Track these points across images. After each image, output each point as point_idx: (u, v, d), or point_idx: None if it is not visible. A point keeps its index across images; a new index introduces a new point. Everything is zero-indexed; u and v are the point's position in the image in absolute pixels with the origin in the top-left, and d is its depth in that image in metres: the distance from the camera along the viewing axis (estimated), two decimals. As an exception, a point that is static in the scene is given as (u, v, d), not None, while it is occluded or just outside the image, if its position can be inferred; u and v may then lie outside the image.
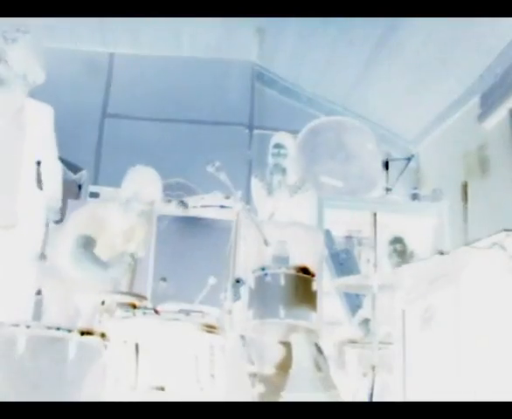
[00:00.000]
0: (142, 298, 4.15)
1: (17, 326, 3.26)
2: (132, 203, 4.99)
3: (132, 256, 5.10)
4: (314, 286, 4.70)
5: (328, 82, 7.82)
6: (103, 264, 4.86)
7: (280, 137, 6.05)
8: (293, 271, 4.65)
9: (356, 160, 6.43)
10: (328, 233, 6.09)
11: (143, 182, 5.01)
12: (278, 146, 5.95)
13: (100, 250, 4.92)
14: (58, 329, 3.31)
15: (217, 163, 4.69)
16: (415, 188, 6.48)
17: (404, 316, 3.79)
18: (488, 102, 6.19)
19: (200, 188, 6.42)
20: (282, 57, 7.97)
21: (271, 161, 5.98)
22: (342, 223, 6.15)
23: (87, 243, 4.85)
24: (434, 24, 5.82)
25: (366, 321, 5.37)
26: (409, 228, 5.74)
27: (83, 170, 6.71)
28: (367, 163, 6.40)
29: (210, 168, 4.71)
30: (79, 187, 6.75)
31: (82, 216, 5.02)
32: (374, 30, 6.45)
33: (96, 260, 4.85)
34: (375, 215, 4.56)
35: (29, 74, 4.52)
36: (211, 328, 3.75)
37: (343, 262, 6.21)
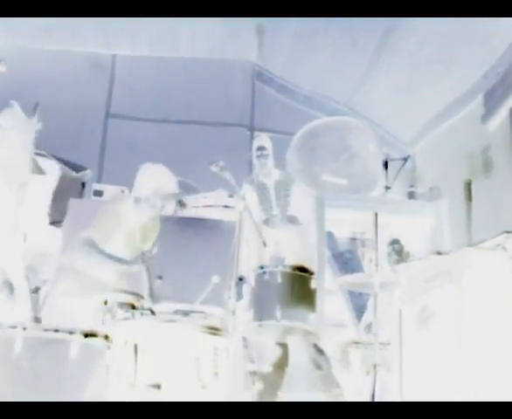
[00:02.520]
0: (139, 296, 4.15)
1: (14, 327, 3.25)
2: (152, 200, 4.94)
3: (149, 253, 5.14)
4: (313, 284, 4.71)
5: (329, 83, 7.81)
6: (114, 258, 4.83)
7: (261, 140, 6.37)
8: (289, 269, 4.69)
9: (359, 159, 6.44)
10: (330, 235, 6.10)
11: (161, 178, 4.96)
12: (260, 148, 6.24)
13: (118, 247, 4.93)
14: (56, 331, 3.29)
15: (222, 163, 4.69)
16: (411, 186, 6.47)
17: (400, 315, 3.78)
18: (491, 102, 6.17)
19: (202, 187, 6.41)
20: (282, 57, 7.96)
21: (256, 162, 6.29)
22: (345, 224, 6.15)
23: (93, 243, 4.84)
24: (435, 25, 5.80)
25: (371, 325, 5.36)
26: (406, 229, 5.75)
27: (87, 169, 6.72)
28: (369, 163, 6.41)
29: (214, 168, 4.70)
30: (83, 185, 6.75)
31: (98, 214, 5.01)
32: (375, 31, 6.44)
33: (102, 253, 4.83)
34: (376, 215, 4.57)
35: None
36: (214, 330, 3.74)
37: (348, 261, 6.21)
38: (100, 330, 3.52)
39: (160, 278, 4.82)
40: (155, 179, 4.95)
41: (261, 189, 6.15)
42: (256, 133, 7.96)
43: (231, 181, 4.73)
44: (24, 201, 4.33)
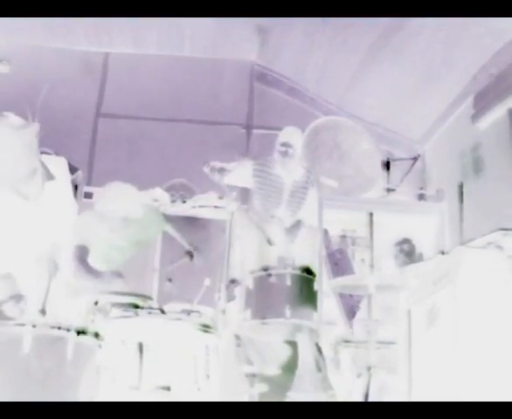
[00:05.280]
0: (147, 298, 4.16)
1: (22, 325, 3.30)
2: (106, 217, 5.02)
3: None
4: (316, 286, 4.71)
5: (328, 82, 7.80)
6: (97, 273, 4.87)
7: (287, 135, 5.55)
8: (298, 272, 4.65)
9: (349, 159, 6.46)
10: (325, 233, 6.07)
11: (113, 199, 5.05)
12: (285, 144, 5.46)
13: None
14: (59, 328, 3.33)
15: (212, 164, 4.70)
16: (421, 189, 6.46)
17: (409, 316, 3.79)
18: (482, 103, 6.20)
19: (198, 188, 6.43)
20: (284, 57, 7.94)
21: (278, 158, 5.53)
22: (337, 222, 6.14)
23: (82, 254, 4.88)
24: (434, 24, 5.82)
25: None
26: (416, 229, 5.71)
27: (79, 170, 6.70)
28: (362, 163, 6.43)
29: (205, 169, 4.71)
30: (75, 187, 6.72)
31: (75, 227, 5.04)
32: (373, 30, 6.43)
33: (90, 270, 4.85)
34: (371, 214, 4.57)
35: None
36: (206, 328, 3.78)
37: (338, 262, 6.22)
38: (90, 328, 3.54)
39: (170, 280, 4.85)
40: (108, 198, 5.05)
41: (275, 184, 5.52)
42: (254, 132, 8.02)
43: (220, 182, 4.74)
44: (41, 210, 4.39)
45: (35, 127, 4.55)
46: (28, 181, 4.47)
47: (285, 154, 5.43)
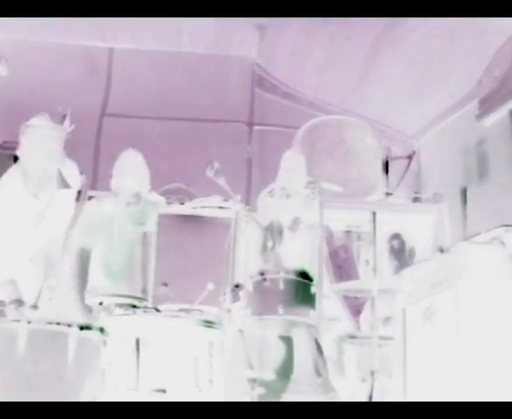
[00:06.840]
0: (142, 299, 4.16)
1: (17, 321, 3.27)
2: (120, 192, 5.06)
3: None
4: (313, 290, 4.70)
5: (328, 79, 7.78)
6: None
7: (286, 177, 5.51)
8: (292, 276, 4.66)
9: (355, 158, 6.43)
10: (327, 229, 6.01)
11: (124, 174, 5.08)
12: (286, 189, 5.45)
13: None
14: (58, 324, 3.25)
15: (216, 165, 4.65)
16: (416, 193, 6.41)
17: (404, 315, 3.79)
18: (487, 104, 6.20)
19: (200, 192, 6.41)
20: (282, 54, 7.94)
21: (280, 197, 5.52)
22: (340, 220, 6.10)
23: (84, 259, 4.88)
24: (435, 21, 5.81)
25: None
26: (409, 224, 5.69)
27: (82, 175, 6.71)
28: (366, 163, 6.41)
29: (209, 172, 4.67)
30: (79, 192, 6.72)
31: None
32: (373, 27, 6.43)
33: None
34: (374, 213, 4.56)
35: None
36: (209, 323, 3.79)
37: (342, 264, 6.17)
38: (95, 323, 3.50)
39: (165, 285, 4.83)
40: (119, 174, 5.09)
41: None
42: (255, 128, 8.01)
43: (225, 186, 4.70)
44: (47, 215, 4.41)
45: (66, 130, 4.54)
46: (45, 184, 4.46)
47: (288, 196, 5.42)
